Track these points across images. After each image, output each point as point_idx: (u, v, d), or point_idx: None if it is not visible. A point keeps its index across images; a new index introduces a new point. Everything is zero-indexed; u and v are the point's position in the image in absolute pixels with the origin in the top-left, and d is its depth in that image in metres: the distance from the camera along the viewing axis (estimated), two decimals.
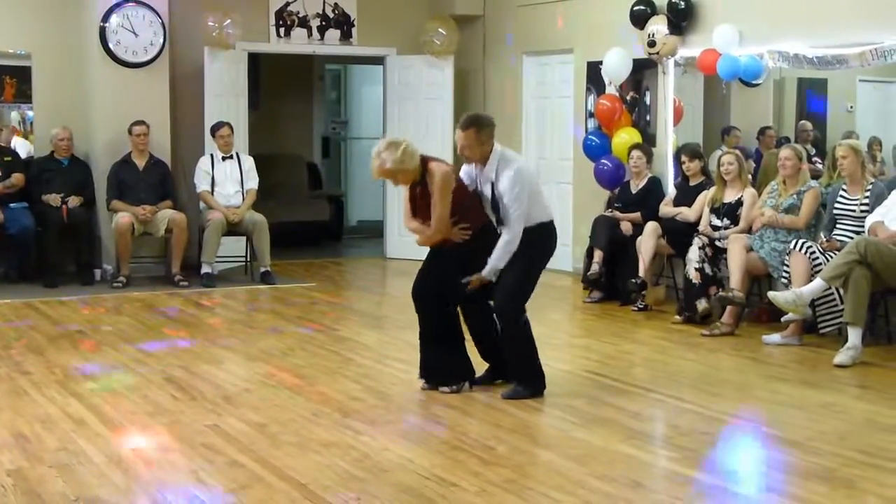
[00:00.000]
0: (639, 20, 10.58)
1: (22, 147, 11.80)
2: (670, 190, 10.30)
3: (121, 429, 6.04)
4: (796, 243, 8.33)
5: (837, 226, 8.51)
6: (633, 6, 10.62)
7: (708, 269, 9.04)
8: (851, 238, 8.12)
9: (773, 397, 6.84)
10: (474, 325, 6.93)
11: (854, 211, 8.42)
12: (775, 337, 8.37)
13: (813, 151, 10.36)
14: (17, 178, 10.99)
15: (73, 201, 10.95)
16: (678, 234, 9.57)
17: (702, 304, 8.99)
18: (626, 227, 10.13)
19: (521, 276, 6.65)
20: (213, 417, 6.23)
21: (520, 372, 6.78)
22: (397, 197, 12.79)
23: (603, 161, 10.80)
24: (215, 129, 11.44)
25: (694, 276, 9.03)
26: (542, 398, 6.66)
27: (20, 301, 10.05)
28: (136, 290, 10.68)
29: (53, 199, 10.87)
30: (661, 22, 10.30)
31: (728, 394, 6.98)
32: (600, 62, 10.94)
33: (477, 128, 6.60)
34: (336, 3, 12.97)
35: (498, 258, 6.57)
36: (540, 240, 6.71)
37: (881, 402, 6.73)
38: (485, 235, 6.63)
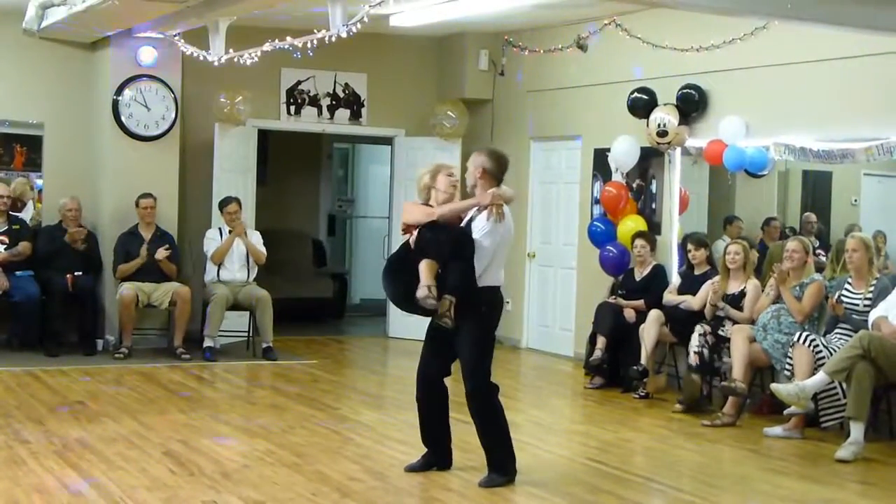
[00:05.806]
0: (636, 108, 10.68)
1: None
2: (674, 278, 10.32)
3: (118, 503, 6.00)
4: (799, 336, 8.33)
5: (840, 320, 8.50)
6: (630, 94, 10.72)
7: (706, 355, 9.03)
8: (854, 333, 8.11)
9: (774, 491, 6.80)
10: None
11: (858, 305, 8.42)
12: (777, 429, 8.33)
13: (817, 244, 10.38)
14: (24, 246, 11.05)
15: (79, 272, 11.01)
16: (681, 323, 9.57)
17: (694, 378, 9.00)
18: (629, 314, 10.14)
19: (478, 350, 6.53)
20: (211, 494, 6.19)
21: (494, 457, 6.60)
22: None
23: (608, 247, 10.83)
24: (223, 204, 11.51)
25: (693, 359, 9.03)
26: (543, 486, 6.60)
27: (21, 369, 10.04)
28: (137, 362, 10.68)
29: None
30: (670, 111, 10.38)
31: (728, 486, 6.94)
32: (607, 149, 11.04)
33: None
34: (347, 84, 13.11)
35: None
36: (492, 305, 6.60)
37: (883, 498, 6.69)
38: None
